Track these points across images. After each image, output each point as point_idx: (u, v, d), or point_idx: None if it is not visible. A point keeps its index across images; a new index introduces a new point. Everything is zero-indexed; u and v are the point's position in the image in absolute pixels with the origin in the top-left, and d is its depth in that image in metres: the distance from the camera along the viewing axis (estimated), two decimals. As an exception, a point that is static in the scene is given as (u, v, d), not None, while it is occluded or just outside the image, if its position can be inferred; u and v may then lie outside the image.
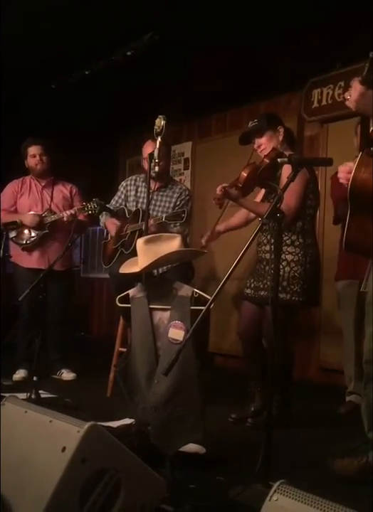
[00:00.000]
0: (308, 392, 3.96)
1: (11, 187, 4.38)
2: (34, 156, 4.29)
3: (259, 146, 3.14)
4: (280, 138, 3.13)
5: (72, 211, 4.03)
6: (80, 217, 4.06)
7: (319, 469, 2.30)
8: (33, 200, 4.31)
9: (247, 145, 3.22)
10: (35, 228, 4.18)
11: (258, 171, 2.97)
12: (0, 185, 4.47)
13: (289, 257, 2.98)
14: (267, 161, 3.00)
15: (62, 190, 4.39)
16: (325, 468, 2.29)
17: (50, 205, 4.28)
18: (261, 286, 3.06)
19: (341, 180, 2.14)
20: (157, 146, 2.93)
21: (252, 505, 1.83)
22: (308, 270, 3.01)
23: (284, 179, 2.84)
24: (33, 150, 4.30)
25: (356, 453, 2.26)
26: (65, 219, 4.05)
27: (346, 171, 2.10)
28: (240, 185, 2.97)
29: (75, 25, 4.02)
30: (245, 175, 2.97)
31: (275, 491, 1.42)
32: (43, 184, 4.36)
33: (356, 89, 2.02)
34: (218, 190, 2.97)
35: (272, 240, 2.14)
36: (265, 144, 3.11)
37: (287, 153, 3.06)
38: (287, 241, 2.98)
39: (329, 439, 2.90)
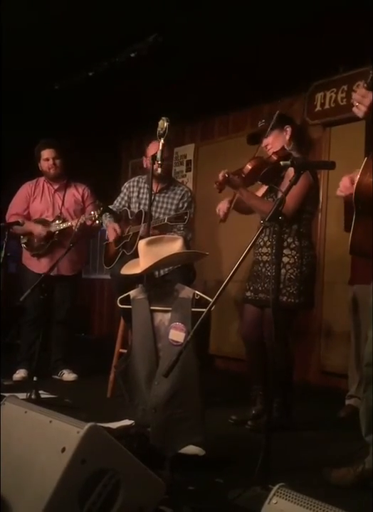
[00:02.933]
0: (308, 395, 3.96)
1: (25, 190, 4.38)
2: (47, 160, 4.27)
3: (266, 146, 3.14)
4: (287, 137, 3.12)
5: (81, 220, 4.01)
6: (89, 223, 4.06)
7: (319, 473, 2.30)
8: (44, 205, 4.32)
9: (254, 145, 3.17)
10: (44, 239, 4.20)
11: (263, 166, 2.97)
12: (2, 185, 4.47)
13: (285, 260, 2.97)
14: (275, 158, 2.99)
15: (75, 194, 4.38)
16: (323, 477, 2.28)
17: (60, 210, 4.27)
18: (260, 288, 3.06)
19: (339, 193, 2.16)
20: (160, 147, 2.93)
21: (251, 508, 1.83)
22: (304, 272, 3.01)
23: (287, 181, 2.83)
24: (47, 153, 4.28)
25: (354, 459, 2.26)
26: (75, 228, 4.04)
27: (346, 185, 2.12)
28: (243, 176, 2.97)
29: (78, 27, 4.03)
30: (250, 167, 2.97)
31: (274, 494, 1.42)
32: (56, 187, 4.35)
33: (364, 95, 2.01)
34: (221, 175, 2.96)
35: (274, 243, 2.14)
36: (271, 143, 3.12)
37: (294, 153, 3.06)
38: (283, 243, 2.97)
39: (328, 442, 2.90)
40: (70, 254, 3.95)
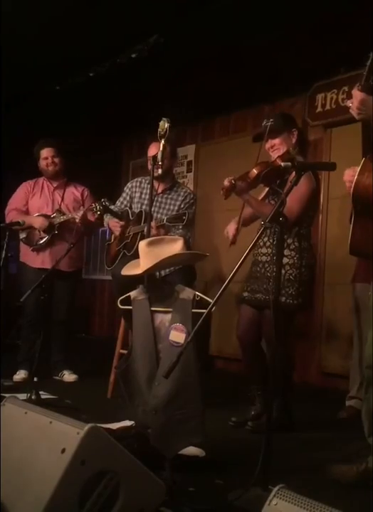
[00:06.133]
0: (309, 396, 3.96)
1: (24, 187, 4.42)
2: (46, 159, 4.31)
3: (272, 147, 3.11)
4: (294, 140, 3.12)
5: (82, 211, 4.02)
6: (90, 218, 4.07)
7: (319, 474, 2.30)
8: (44, 201, 4.34)
9: (256, 144, 3.16)
10: (45, 231, 4.21)
11: (268, 170, 2.97)
12: (2, 186, 4.48)
13: (284, 260, 2.95)
14: (279, 162, 2.99)
15: (74, 192, 4.41)
16: (325, 472, 2.28)
17: (60, 206, 4.30)
18: (257, 288, 3.06)
19: (346, 183, 2.16)
20: (161, 148, 2.93)
21: (251, 509, 1.83)
22: (303, 274, 3.01)
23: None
24: (45, 152, 4.31)
25: (355, 458, 2.26)
26: (77, 221, 4.05)
27: (351, 174, 2.11)
28: (249, 181, 2.98)
29: (80, 27, 4.04)
30: (256, 172, 2.98)
31: (274, 496, 1.42)
32: (55, 185, 4.38)
33: (356, 96, 2.04)
34: (226, 181, 2.97)
35: (275, 244, 2.14)
36: (278, 145, 3.10)
37: (299, 157, 3.06)
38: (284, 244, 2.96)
39: (329, 443, 2.90)
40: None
